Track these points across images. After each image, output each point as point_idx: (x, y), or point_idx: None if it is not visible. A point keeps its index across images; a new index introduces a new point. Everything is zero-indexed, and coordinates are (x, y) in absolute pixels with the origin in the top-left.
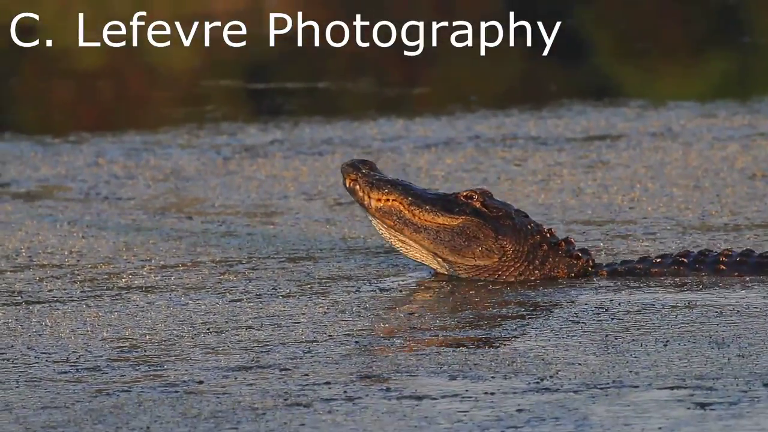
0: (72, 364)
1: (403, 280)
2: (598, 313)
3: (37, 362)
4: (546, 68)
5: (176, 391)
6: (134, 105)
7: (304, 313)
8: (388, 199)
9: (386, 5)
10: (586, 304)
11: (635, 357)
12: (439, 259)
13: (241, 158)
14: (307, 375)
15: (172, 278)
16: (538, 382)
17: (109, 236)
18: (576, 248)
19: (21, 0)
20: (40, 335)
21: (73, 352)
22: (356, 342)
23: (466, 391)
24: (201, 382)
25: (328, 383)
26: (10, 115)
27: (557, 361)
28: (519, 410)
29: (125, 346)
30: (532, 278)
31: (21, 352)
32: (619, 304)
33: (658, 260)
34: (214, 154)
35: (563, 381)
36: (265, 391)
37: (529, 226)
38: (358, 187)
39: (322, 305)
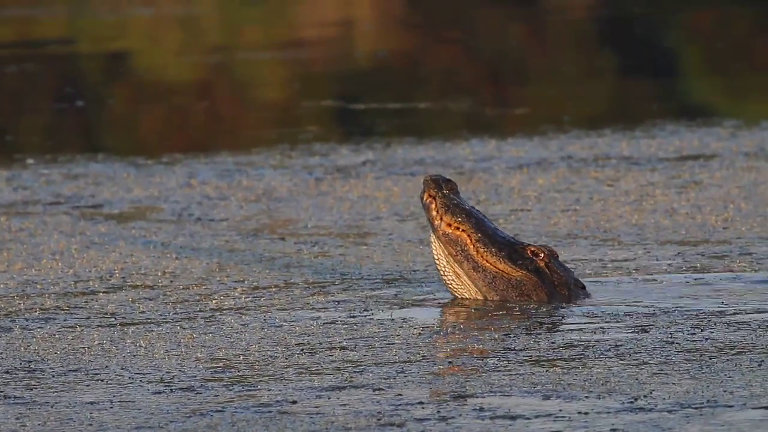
0: (166, 384)
1: (497, 302)
2: (693, 333)
3: (131, 383)
4: (638, 88)
5: (269, 411)
6: (226, 127)
7: (397, 334)
8: (458, 228)
9: (478, 27)
10: (680, 325)
11: (729, 377)
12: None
13: (333, 179)
14: (400, 395)
15: (265, 299)
16: (632, 402)
17: (202, 257)
18: None
19: (114, 27)
20: (134, 356)
21: (167, 372)
22: (449, 362)
23: (560, 410)
24: (294, 402)
25: (421, 403)
26: (103, 137)
27: (651, 380)
28: (613, 430)
29: (219, 367)
30: None
31: (115, 373)
32: (714, 324)
33: None
34: (306, 174)
35: (657, 401)
36: (358, 411)
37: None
38: (434, 205)
39: (415, 326)
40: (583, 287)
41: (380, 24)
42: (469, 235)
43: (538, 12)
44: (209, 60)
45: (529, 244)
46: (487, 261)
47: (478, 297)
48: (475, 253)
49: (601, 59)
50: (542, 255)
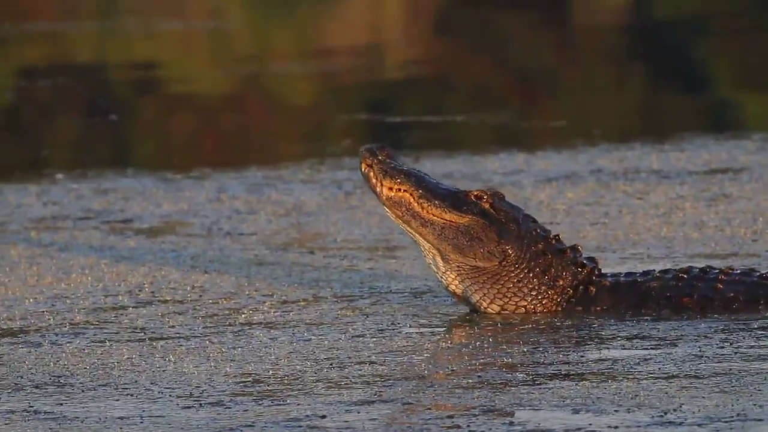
0: (195, 399)
1: (524, 315)
2: (722, 347)
3: (160, 397)
4: (668, 101)
5: (299, 426)
6: (256, 140)
7: (426, 348)
8: (399, 189)
9: (509, 39)
10: (709, 338)
11: (759, 390)
12: (438, 260)
13: (363, 193)
14: (429, 409)
15: (294, 313)
16: (661, 416)
17: (231, 271)
18: (582, 256)
19: (143, 38)
20: (163, 371)
21: (197, 387)
22: (478, 376)
23: (589, 425)
24: (324, 417)
25: (450, 417)
26: (132, 151)
27: (681, 394)
28: None
29: (248, 381)
30: (534, 290)
31: (145, 387)
32: (743, 337)
33: (658, 275)
34: (335, 188)
35: (687, 414)
36: (388, 425)
37: (533, 233)
38: (372, 173)
39: (444, 339)
40: (534, 221)
41: (411, 35)
42: (411, 194)
43: (566, 17)
44: (239, 72)
45: (471, 190)
46: (432, 214)
47: (432, 257)
48: (420, 209)
49: (631, 69)
50: (485, 197)
